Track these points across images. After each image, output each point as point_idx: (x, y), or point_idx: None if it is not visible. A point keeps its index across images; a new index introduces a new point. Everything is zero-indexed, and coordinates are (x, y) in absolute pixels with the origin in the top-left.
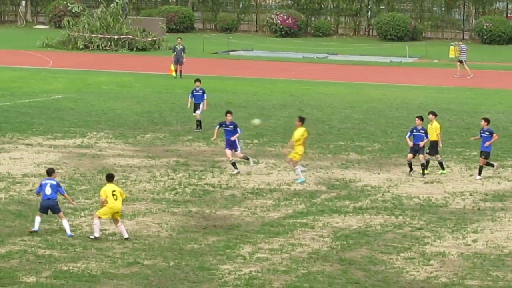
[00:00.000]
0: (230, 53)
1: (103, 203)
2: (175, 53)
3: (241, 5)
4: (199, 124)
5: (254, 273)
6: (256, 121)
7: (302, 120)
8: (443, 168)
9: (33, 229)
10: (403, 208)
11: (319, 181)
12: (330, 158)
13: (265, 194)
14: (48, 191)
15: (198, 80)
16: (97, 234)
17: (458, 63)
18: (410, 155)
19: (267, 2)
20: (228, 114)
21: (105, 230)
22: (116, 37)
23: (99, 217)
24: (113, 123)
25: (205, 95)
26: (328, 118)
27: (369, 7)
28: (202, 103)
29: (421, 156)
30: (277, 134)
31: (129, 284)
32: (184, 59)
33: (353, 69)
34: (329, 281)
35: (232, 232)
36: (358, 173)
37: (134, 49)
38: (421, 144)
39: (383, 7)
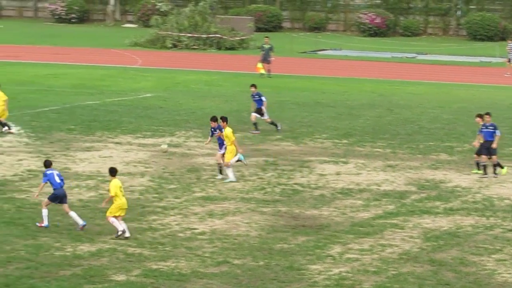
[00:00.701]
0: (319, 52)
1: (109, 199)
2: (263, 52)
3: (329, 4)
4: (273, 123)
5: (344, 274)
6: (164, 147)
7: (225, 120)
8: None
9: (43, 225)
10: (494, 209)
11: (409, 181)
12: (420, 159)
13: (354, 194)
14: (57, 179)
15: (253, 85)
16: (126, 233)
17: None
18: (480, 155)
19: (356, 1)
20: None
21: (195, 229)
22: (204, 36)
23: (115, 217)
24: (202, 122)
25: (263, 98)
26: (418, 118)
27: (458, 6)
28: (262, 106)
29: (494, 156)
30: (366, 134)
31: (219, 283)
32: (272, 58)
33: (442, 69)
34: (419, 282)
35: (321, 232)
36: (448, 174)
37: (222, 48)
38: (494, 144)
39: (473, 6)
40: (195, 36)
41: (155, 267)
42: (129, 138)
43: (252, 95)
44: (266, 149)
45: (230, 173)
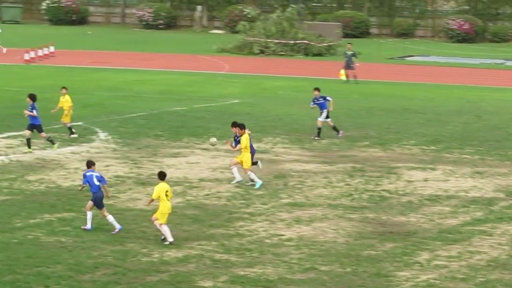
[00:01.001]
0: (406, 58)
1: (151, 202)
2: (346, 58)
3: (417, 10)
4: (335, 129)
5: (431, 280)
6: (213, 140)
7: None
8: None
9: (87, 227)
10: None
11: (498, 188)
12: (509, 165)
13: (442, 201)
14: (96, 182)
15: (316, 89)
16: (170, 239)
17: None
18: None
19: (444, 7)
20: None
21: (282, 235)
22: (291, 42)
23: (162, 224)
24: (289, 128)
25: (328, 98)
26: (506, 125)
27: None
28: (326, 110)
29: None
30: (454, 140)
31: None
32: (356, 64)
33: None
34: None
35: (409, 238)
36: None
37: (310, 54)
38: None
39: None
40: (282, 42)
41: (242, 273)
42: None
43: (315, 99)
44: (353, 155)
45: (254, 177)
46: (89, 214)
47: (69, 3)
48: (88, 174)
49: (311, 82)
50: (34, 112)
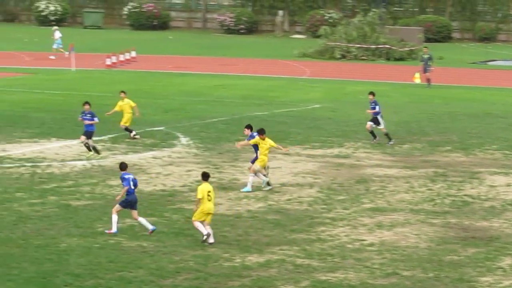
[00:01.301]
0: (489, 63)
1: (198, 203)
2: (422, 62)
3: (499, 15)
4: (387, 136)
5: None
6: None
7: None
8: None
9: (112, 231)
10: None
11: None
12: None
13: None
14: (132, 185)
15: (371, 93)
16: (210, 239)
17: None
18: None
19: None
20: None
21: (363, 240)
22: (373, 46)
23: (197, 221)
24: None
25: (377, 107)
26: None
27: None
28: (378, 116)
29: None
30: None
31: None
32: (432, 68)
33: None
34: None
35: (492, 244)
36: None
37: (391, 58)
38: None
39: None
40: (363, 47)
41: (323, 278)
42: (298, 149)
43: (370, 103)
44: (435, 160)
45: (250, 182)
46: (115, 217)
47: (150, 8)
48: (126, 176)
49: (392, 87)
50: (96, 120)
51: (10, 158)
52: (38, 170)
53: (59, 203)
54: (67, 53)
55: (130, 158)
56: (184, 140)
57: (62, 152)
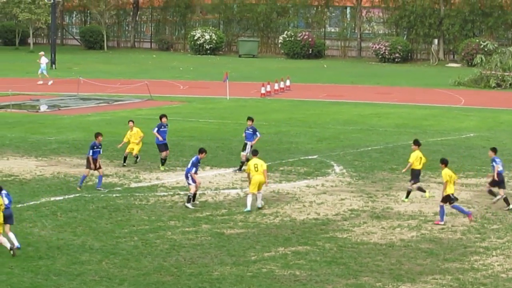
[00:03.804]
0: None
1: (248, 177)
2: None
3: None
4: None
5: None
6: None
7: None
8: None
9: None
10: None
11: None
12: None
13: None
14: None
15: None
16: (248, 208)
17: None
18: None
19: None
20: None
21: None
22: None
23: (251, 193)
24: None
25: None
26: None
27: None
28: None
29: (501, 190)
30: None
31: None
32: None
33: None
34: None
35: None
36: None
37: None
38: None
39: None
40: None
41: None
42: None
43: None
44: None
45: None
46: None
47: (305, 37)
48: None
49: None
50: (157, 133)
51: (164, 187)
52: None
53: (212, 232)
54: (51, 81)
55: (283, 187)
56: (337, 168)
57: (216, 181)
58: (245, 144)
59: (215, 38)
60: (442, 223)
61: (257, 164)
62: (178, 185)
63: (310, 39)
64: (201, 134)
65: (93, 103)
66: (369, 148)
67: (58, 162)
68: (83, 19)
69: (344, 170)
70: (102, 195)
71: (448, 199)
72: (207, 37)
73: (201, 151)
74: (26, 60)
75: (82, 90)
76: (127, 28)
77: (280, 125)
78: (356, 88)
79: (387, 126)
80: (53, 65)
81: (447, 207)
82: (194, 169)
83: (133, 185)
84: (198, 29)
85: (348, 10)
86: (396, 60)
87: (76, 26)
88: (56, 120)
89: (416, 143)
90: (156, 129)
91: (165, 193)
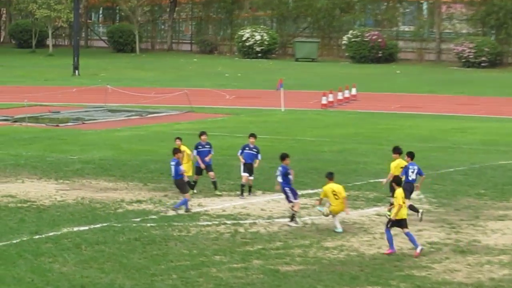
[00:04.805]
0: None
1: (319, 202)
2: None
3: None
4: None
5: None
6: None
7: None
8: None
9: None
10: None
11: None
12: None
13: None
14: None
15: None
16: (340, 229)
17: None
18: None
19: None
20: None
21: None
22: None
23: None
24: None
25: None
26: None
27: None
28: None
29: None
30: None
31: None
32: None
33: None
34: None
35: None
36: None
37: None
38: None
39: None
40: None
41: None
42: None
43: None
44: None
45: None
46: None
47: (374, 37)
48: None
49: None
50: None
51: (208, 215)
52: (241, 229)
53: (265, 268)
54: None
55: (349, 215)
56: (414, 193)
57: (269, 208)
58: (248, 165)
59: (267, 39)
60: None
61: (337, 192)
62: (224, 213)
63: (379, 40)
64: None
65: (123, 116)
66: (451, 170)
67: (82, 185)
68: (111, 17)
69: (422, 196)
70: (134, 225)
71: None
72: (258, 37)
73: (283, 157)
74: (44, 65)
75: (110, 100)
76: (163, 27)
77: (345, 141)
78: (435, 98)
79: (472, 143)
80: (76, 71)
81: None
82: (290, 180)
83: (171, 212)
84: (247, 28)
85: (425, 5)
86: (483, 64)
87: (103, 25)
88: (79, 135)
89: (397, 151)
90: (195, 151)
91: (209, 223)
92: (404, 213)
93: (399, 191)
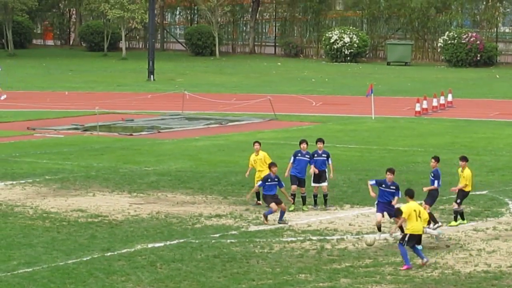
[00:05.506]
0: None
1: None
2: None
3: None
4: None
5: None
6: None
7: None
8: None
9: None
10: None
11: None
12: None
13: None
14: None
15: None
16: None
17: None
18: None
19: None
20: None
21: None
22: None
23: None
24: None
25: None
26: None
27: None
28: None
29: None
30: None
31: None
32: None
33: None
34: None
35: None
36: None
37: None
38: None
39: None
40: None
41: None
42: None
43: None
44: None
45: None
46: None
47: (472, 39)
48: None
49: None
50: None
51: (292, 230)
52: (327, 246)
53: (353, 287)
54: (3, 97)
55: (444, 231)
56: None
57: (358, 223)
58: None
59: (357, 41)
60: None
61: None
62: (310, 229)
63: (478, 42)
64: (340, 163)
65: (202, 124)
66: None
67: (158, 199)
68: (189, 18)
69: None
70: (213, 241)
71: None
72: (347, 39)
73: (389, 171)
74: (116, 69)
75: (188, 107)
76: (244, 28)
77: (441, 151)
78: None
79: None
80: (151, 76)
81: None
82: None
83: (252, 228)
84: (335, 29)
85: None
86: None
87: (180, 26)
88: (154, 145)
89: (464, 159)
90: (292, 158)
91: (293, 238)
92: (420, 228)
93: (408, 205)
